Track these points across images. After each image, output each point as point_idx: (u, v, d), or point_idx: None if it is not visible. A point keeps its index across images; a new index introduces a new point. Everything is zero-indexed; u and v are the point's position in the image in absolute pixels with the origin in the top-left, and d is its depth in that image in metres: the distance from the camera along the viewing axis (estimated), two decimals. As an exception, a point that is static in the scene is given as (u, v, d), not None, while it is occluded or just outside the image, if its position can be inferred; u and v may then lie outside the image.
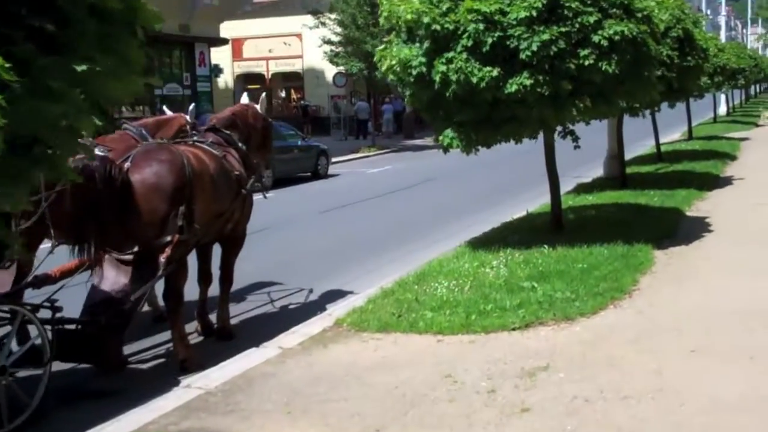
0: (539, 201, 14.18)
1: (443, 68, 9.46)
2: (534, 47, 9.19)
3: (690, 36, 15.62)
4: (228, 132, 8.38)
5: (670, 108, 18.89)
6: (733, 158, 21.99)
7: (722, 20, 63.25)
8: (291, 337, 7.75)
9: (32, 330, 6.43)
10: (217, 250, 8.57)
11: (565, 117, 9.89)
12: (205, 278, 8.44)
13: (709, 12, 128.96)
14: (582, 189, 16.47)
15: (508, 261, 9.73)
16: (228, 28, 38.44)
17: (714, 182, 16.94)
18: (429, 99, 10.11)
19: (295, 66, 42.75)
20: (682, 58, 15.25)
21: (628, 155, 21.80)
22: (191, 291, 8.38)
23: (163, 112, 9.78)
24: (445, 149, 10.40)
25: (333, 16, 33.55)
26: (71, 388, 6.73)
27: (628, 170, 18.11)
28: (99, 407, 6.30)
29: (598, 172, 18.81)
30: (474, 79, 9.36)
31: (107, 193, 6.60)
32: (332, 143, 34.43)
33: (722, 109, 43.89)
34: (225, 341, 8.08)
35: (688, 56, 15.52)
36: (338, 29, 33.48)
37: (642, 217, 12.51)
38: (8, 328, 6.03)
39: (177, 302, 7.21)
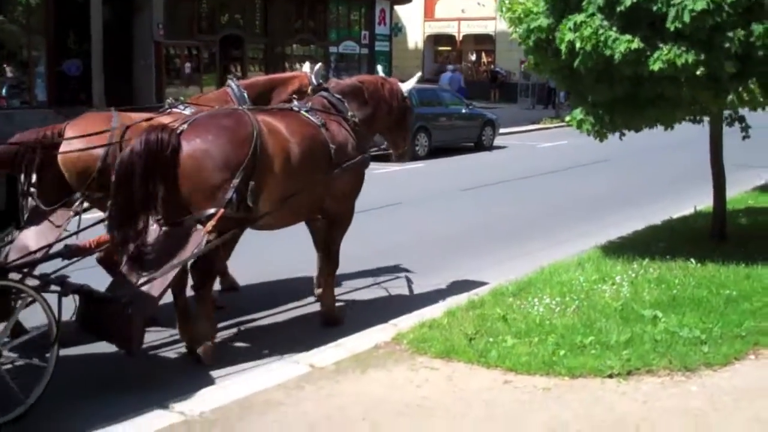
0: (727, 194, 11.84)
1: (570, 36, 7.58)
2: (686, 17, 7.10)
3: None
4: (340, 97, 7.40)
5: None
6: None
7: None
8: (331, 352, 6.31)
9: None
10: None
11: (723, 103, 7.74)
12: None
13: None
14: (773, 186, 13.92)
15: (637, 277, 7.81)
16: (421, -14, 37.29)
17: None
18: (556, 69, 8.26)
19: (488, 28, 40.72)
20: None
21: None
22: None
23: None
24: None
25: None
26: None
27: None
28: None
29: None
30: (607, 52, 7.43)
31: (155, 161, 5.90)
32: (517, 112, 32.73)
33: None
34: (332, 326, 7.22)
35: None
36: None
37: (835, 229, 10.09)
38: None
39: (204, 278, 6.27)
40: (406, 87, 8.02)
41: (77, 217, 6.64)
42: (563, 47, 7.67)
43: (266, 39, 26.51)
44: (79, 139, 6.58)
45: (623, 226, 10.79)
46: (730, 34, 7.21)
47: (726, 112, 8.97)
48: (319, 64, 8.81)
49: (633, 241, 9.63)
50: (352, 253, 8.32)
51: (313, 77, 8.18)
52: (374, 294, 8.42)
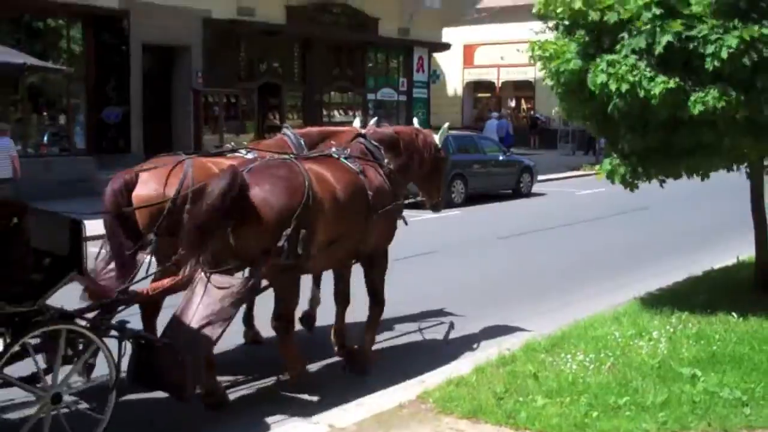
0: None
1: (603, 77, 7.38)
2: (723, 54, 6.88)
3: None
4: (377, 144, 7.56)
5: None
6: None
7: None
8: (353, 412, 6.10)
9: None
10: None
11: (765, 149, 7.47)
12: (341, 300, 7.69)
13: None
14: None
15: (676, 332, 7.50)
16: (459, 34, 37.23)
17: None
18: (589, 115, 8.06)
19: (527, 74, 40.46)
20: None
21: None
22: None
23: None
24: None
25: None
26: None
27: None
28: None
29: None
30: (642, 92, 7.22)
31: (222, 206, 6.05)
32: (557, 158, 32.43)
33: None
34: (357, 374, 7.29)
35: None
36: (567, 36, 31.05)
37: None
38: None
39: (285, 326, 6.55)
40: (439, 138, 8.08)
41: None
42: (596, 89, 7.47)
43: (304, 87, 26.61)
44: (154, 182, 6.75)
45: (663, 276, 10.47)
46: None
47: (767, 162, 8.68)
48: (375, 118, 9.32)
49: (672, 293, 9.31)
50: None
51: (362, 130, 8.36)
52: (403, 346, 8.21)
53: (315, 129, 8.97)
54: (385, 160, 7.45)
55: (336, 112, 28.08)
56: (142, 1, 21.03)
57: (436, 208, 8.48)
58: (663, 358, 6.79)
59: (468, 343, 8.19)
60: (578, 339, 7.47)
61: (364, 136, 7.67)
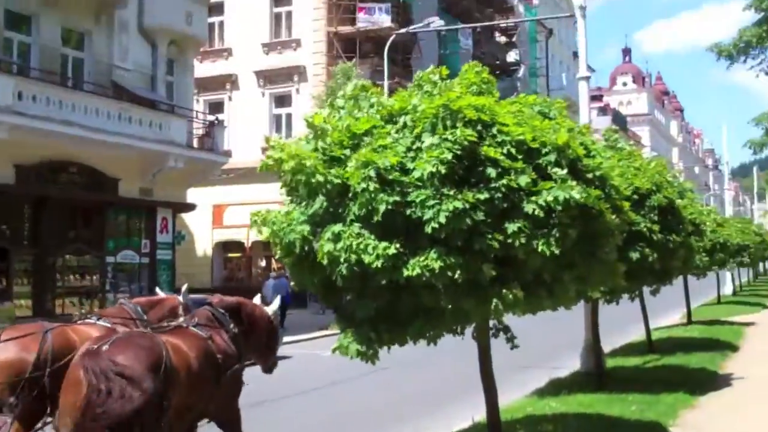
0: (509, 399, 11.35)
1: (330, 247, 7.08)
2: (441, 219, 6.80)
3: (674, 206, 13.26)
4: (223, 311, 8.11)
5: (652, 295, 16.06)
6: (735, 349, 19.25)
7: (727, 195, 62.09)
8: None
9: None
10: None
11: (487, 311, 7.35)
12: None
13: (716, 187, 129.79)
14: (551, 388, 13.73)
15: None
16: (208, 195, 36.84)
17: (710, 382, 14.14)
18: (317, 284, 7.71)
19: (277, 234, 40.74)
20: (666, 233, 12.81)
21: (621, 340, 19.62)
22: None
23: (154, 293, 10.84)
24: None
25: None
26: None
27: (612, 363, 15.54)
28: None
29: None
30: (366, 259, 6.96)
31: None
32: (307, 317, 32.21)
33: (728, 288, 41.41)
34: None
35: (673, 232, 13.08)
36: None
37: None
38: None
39: None
40: (270, 310, 8.90)
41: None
42: (324, 260, 7.17)
43: (36, 249, 24.83)
44: (14, 347, 7.35)
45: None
46: (489, 236, 6.95)
47: (491, 323, 8.63)
48: (186, 284, 10.86)
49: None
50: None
51: (181, 297, 9.84)
52: None
53: (142, 299, 10.03)
54: (231, 325, 7.97)
55: (72, 277, 26.34)
56: None
57: (270, 371, 9.14)
58: None
59: None
60: None
61: (210, 304, 8.17)
